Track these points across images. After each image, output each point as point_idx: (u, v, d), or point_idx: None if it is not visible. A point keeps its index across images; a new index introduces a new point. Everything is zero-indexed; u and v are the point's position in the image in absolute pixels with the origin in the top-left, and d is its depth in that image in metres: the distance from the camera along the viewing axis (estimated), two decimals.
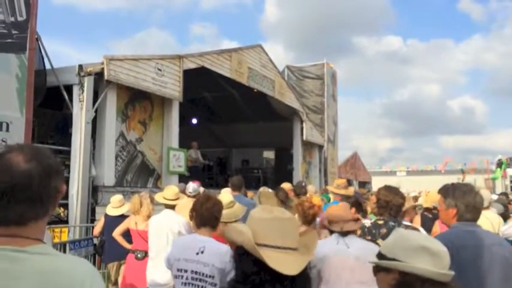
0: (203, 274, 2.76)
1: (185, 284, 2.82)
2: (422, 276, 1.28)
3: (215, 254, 2.79)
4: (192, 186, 5.67)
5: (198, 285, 2.78)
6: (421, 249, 1.30)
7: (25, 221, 1.19)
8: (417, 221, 4.97)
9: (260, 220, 1.46)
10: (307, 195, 6.01)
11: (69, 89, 8.29)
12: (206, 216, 3.03)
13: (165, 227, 4.50)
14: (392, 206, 3.05)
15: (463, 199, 2.38)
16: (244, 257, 1.42)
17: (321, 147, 19.26)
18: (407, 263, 1.30)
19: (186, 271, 2.82)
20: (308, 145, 18.14)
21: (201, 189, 5.96)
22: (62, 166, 1.33)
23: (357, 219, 2.96)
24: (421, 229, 3.67)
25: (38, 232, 1.23)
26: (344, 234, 2.83)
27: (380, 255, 1.41)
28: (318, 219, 3.48)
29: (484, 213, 4.60)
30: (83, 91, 8.17)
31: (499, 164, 22.96)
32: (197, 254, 2.81)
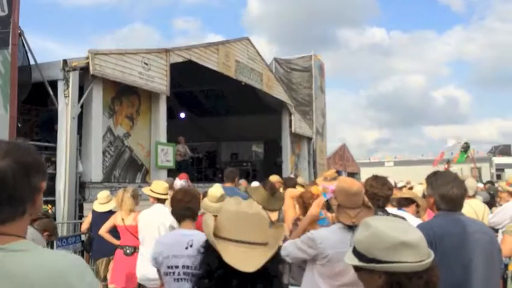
0: (195, 268, 2.76)
1: (178, 279, 2.82)
2: (408, 272, 1.28)
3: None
4: (180, 183, 5.67)
5: (191, 280, 2.78)
6: (400, 245, 1.28)
7: (1, 220, 1.15)
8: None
9: (225, 212, 1.43)
10: (297, 187, 6.01)
11: (54, 84, 8.18)
12: (181, 210, 3.03)
13: (155, 221, 4.49)
14: (379, 198, 3.03)
15: (438, 190, 2.42)
16: (209, 251, 1.39)
17: (309, 139, 19.31)
18: (391, 262, 1.28)
19: (177, 267, 2.82)
20: (297, 137, 18.18)
21: (187, 184, 5.94)
22: (43, 163, 1.28)
23: (370, 207, 2.72)
24: (412, 217, 3.67)
25: (18, 230, 1.18)
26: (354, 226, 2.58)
27: (358, 254, 1.37)
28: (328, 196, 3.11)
29: (468, 201, 4.67)
30: (68, 86, 8.06)
31: (465, 148, 22.61)
32: (186, 248, 2.81)
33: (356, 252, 1.37)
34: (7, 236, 1.15)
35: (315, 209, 3.13)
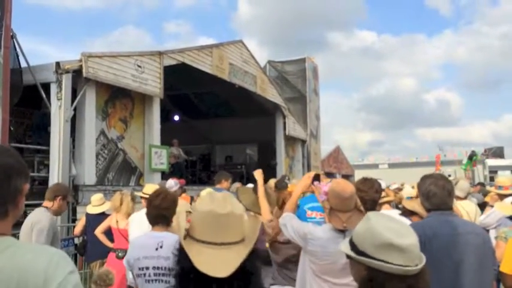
0: (165, 268, 2.78)
1: (149, 281, 2.83)
2: (390, 273, 1.30)
3: (174, 246, 2.79)
4: (170, 182, 5.67)
5: (162, 280, 2.79)
6: (389, 246, 1.31)
7: None
8: None
9: (198, 213, 1.38)
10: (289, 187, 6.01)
11: (47, 87, 8.15)
12: (154, 214, 3.01)
13: (146, 224, 4.48)
14: (366, 201, 3.05)
15: (420, 189, 2.50)
16: (182, 252, 1.35)
17: (303, 141, 19.34)
18: (377, 259, 1.32)
19: (147, 268, 2.83)
20: (291, 140, 18.20)
21: (177, 185, 5.93)
22: (25, 165, 1.28)
23: (362, 210, 2.70)
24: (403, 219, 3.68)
25: (1, 229, 1.19)
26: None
27: (352, 244, 1.42)
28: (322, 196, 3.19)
29: (461, 203, 4.71)
30: (61, 89, 8.04)
31: (471, 157, 23.36)
32: (156, 249, 2.82)
33: (351, 242, 1.43)
34: None
35: (305, 180, 3.19)
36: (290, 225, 2.86)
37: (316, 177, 3.11)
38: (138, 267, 2.87)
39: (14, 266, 1.14)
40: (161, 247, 2.80)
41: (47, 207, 4.08)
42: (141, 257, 2.86)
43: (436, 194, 2.41)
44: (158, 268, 2.80)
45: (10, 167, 1.20)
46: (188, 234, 1.38)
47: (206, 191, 4.85)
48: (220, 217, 1.34)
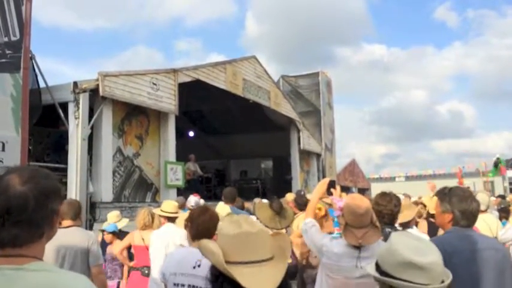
0: None
1: None
2: None
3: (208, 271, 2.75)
4: (194, 199, 5.64)
5: None
6: (408, 264, 1.31)
7: (20, 243, 1.20)
8: (423, 227, 4.94)
9: (228, 237, 1.42)
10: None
11: (64, 106, 8.31)
12: (201, 229, 2.99)
13: (167, 241, 4.48)
14: (384, 215, 3.04)
15: (459, 206, 2.38)
16: (220, 278, 1.39)
17: (318, 155, 19.27)
18: (398, 278, 1.32)
19: (183, 285, 2.79)
20: (305, 154, 18.15)
21: (201, 201, 5.93)
22: (60, 188, 1.34)
23: (377, 226, 2.70)
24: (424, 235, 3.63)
25: (35, 251, 1.23)
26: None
27: (377, 265, 1.44)
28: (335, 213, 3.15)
29: (482, 216, 4.61)
30: (78, 108, 8.18)
31: (496, 163, 23.13)
32: (194, 267, 2.77)
33: (376, 263, 1.45)
34: (24, 258, 1.20)
35: (321, 186, 3.24)
36: (310, 233, 2.91)
37: (332, 184, 3.14)
38: (173, 283, 2.83)
39: (49, 283, 1.17)
40: (199, 266, 2.74)
41: (79, 226, 4.01)
42: (177, 273, 2.83)
43: (477, 211, 2.40)
44: (194, 287, 2.75)
45: (49, 190, 1.27)
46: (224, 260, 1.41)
47: (220, 206, 4.82)
48: (253, 236, 1.40)
